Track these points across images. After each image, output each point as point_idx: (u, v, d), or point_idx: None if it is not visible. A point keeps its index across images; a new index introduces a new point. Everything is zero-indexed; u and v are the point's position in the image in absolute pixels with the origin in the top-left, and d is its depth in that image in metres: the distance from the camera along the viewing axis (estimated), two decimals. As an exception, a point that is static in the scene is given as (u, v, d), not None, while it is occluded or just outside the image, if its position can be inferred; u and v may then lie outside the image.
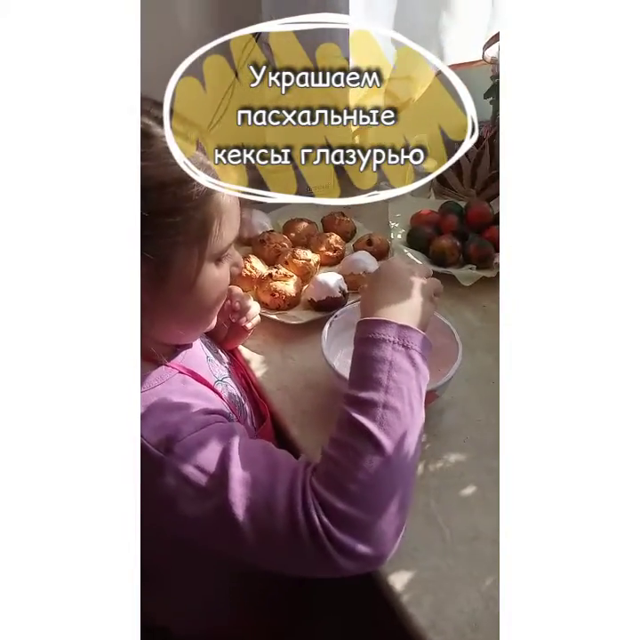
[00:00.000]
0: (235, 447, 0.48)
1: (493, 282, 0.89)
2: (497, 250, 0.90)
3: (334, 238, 0.92)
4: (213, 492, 0.46)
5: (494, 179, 1.06)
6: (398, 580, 0.52)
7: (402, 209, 1.03)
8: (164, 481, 0.46)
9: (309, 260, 0.86)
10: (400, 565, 0.52)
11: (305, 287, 0.85)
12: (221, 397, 0.59)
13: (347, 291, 0.81)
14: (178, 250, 0.50)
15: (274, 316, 0.80)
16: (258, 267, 0.85)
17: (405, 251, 0.90)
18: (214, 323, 0.61)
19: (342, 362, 0.73)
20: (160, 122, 0.44)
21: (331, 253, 0.91)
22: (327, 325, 0.70)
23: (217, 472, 0.47)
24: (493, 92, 1.06)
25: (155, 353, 0.53)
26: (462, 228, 0.95)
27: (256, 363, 0.76)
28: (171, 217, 0.47)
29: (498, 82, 1.05)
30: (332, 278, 0.80)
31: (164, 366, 0.55)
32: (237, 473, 0.46)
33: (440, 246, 0.90)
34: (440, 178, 1.14)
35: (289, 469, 0.48)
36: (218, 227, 0.51)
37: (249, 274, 0.83)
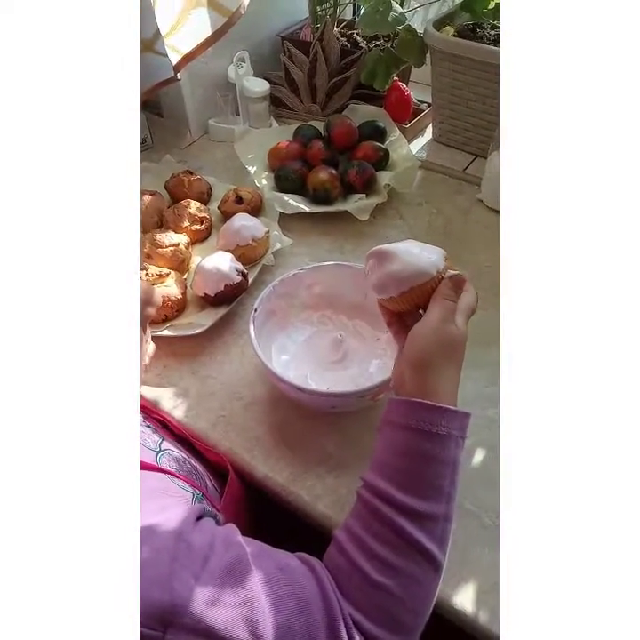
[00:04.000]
0: (257, 588, 0.32)
1: (387, 207, 0.79)
2: (377, 168, 0.80)
3: (195, 206, 0.72)
4: None
5: (336, 88, 0.93)
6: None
7: (251, 148, 0.85)
8: None
9: (178, 245, 0.67)
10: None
11: (188, 281, 0.66)
12: (177, 476, 0.42)
13: (245, 270, 0.64)
14: None
15: (166, 332, 0.61)
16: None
17: (286, 198, 0.75)
18: None
19: (279, 361, 0.58)
20: None
21: (198, 226, 0.71)
22: (252, 327, 0.54)
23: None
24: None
25: None
26: (331, 154, 0.82)
27: (168, 400, 0.58)
28: None
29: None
30: (222, 261, 0.62)
31: None
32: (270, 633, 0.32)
33: (319, 181, 0.76)
34: (275, 100, 0.97)
35: (322, 599, 0.34)
36: None
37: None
